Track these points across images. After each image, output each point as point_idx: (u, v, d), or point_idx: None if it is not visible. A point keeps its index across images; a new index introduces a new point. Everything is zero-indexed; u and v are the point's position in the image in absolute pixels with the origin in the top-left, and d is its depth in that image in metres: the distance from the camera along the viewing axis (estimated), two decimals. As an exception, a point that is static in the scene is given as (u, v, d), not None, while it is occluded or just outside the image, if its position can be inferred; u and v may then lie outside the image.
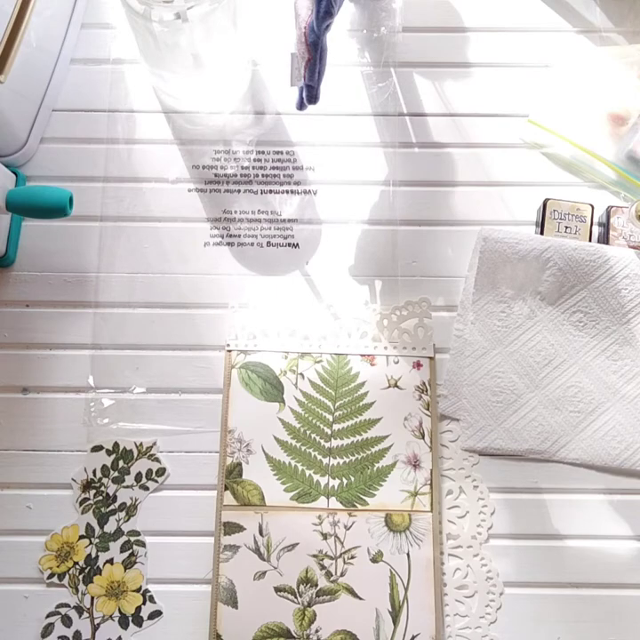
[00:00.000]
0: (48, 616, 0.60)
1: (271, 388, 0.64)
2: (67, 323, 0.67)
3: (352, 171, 0.71)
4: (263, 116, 0.72)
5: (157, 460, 0.63)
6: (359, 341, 0.66)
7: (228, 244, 0.69)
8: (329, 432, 0.63)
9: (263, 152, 0.71)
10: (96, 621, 0.60)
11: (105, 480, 0.63)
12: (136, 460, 0.63)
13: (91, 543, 0.62)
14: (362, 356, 0.65)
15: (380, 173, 0.71)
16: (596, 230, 0.68)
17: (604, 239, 0.68)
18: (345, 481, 0.62)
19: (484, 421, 0.64)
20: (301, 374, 0.65)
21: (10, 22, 0.58)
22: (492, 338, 0.66)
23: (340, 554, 0.61)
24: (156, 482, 0.63)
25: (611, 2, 0.75)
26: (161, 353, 0.66)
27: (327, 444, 0.63)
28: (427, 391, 0.64)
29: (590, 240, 0.67)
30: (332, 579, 0.60)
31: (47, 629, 0.60)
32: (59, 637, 0.60)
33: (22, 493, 0.63)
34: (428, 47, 0.74)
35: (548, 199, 0.67)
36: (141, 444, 0.64)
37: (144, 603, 0.61)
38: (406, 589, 0.60)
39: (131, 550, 0.62)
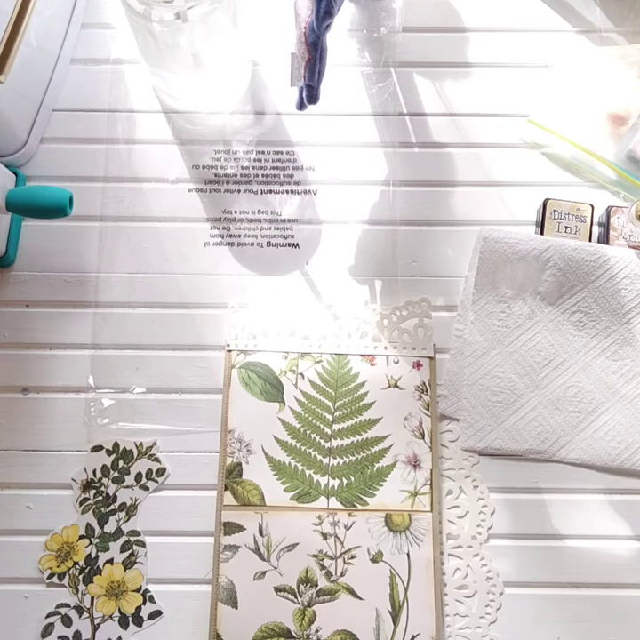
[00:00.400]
0: (48, 616, 0.60)
1: (271, 388, 0.64)
2: (67, 323, 0.67)
3: (352, 171, 0.71)
4: (263, 116, 0.72)
5: (157, 460, 0.63)
6: (359, 341, 0.66)
7: (228, 244, 0.69)
8: (329, 432, 0.63)
9: (263, 152, 0.71)
10: (96, 621, 0.60)
11: (105, 480, 0.63)
12: (136, 459, 0.63)
13: (91, 543, 0.62)
14: (362, 355, 0.65)
15: (380, 173, 0.71)
16: (595, 230, 0.68)
17: (604, 239, 0.67)
18: (345, 481, 0.62)
19: (484, 421, 0.64)
20: (301, 374, 0.65)
21: (10, 22, 0.58)
22: (492, 338, 0.66)
23: (340, 554, 0.61)
24: (156, 482, 0.63)
25: (611, 2, 0.75)
26: (161, 353, 0.66)
27: (327, 444, 0.63)
28: (427, 391, 0.64)
29: (590, 240, 0.67)
30: (332, 579, 0.60)
31: (47, 629, 0.60)
32: (59, 637, 0.60)
33: (22, 493, 0.63)
34: (428, 47, 0.74)
35: (548, 199, 0.67)
36: (141, 444, 0.64)
37: (144, 603, 0.61)
38: (406, 589, 0.60)
39: (131, 550, 0.62)
